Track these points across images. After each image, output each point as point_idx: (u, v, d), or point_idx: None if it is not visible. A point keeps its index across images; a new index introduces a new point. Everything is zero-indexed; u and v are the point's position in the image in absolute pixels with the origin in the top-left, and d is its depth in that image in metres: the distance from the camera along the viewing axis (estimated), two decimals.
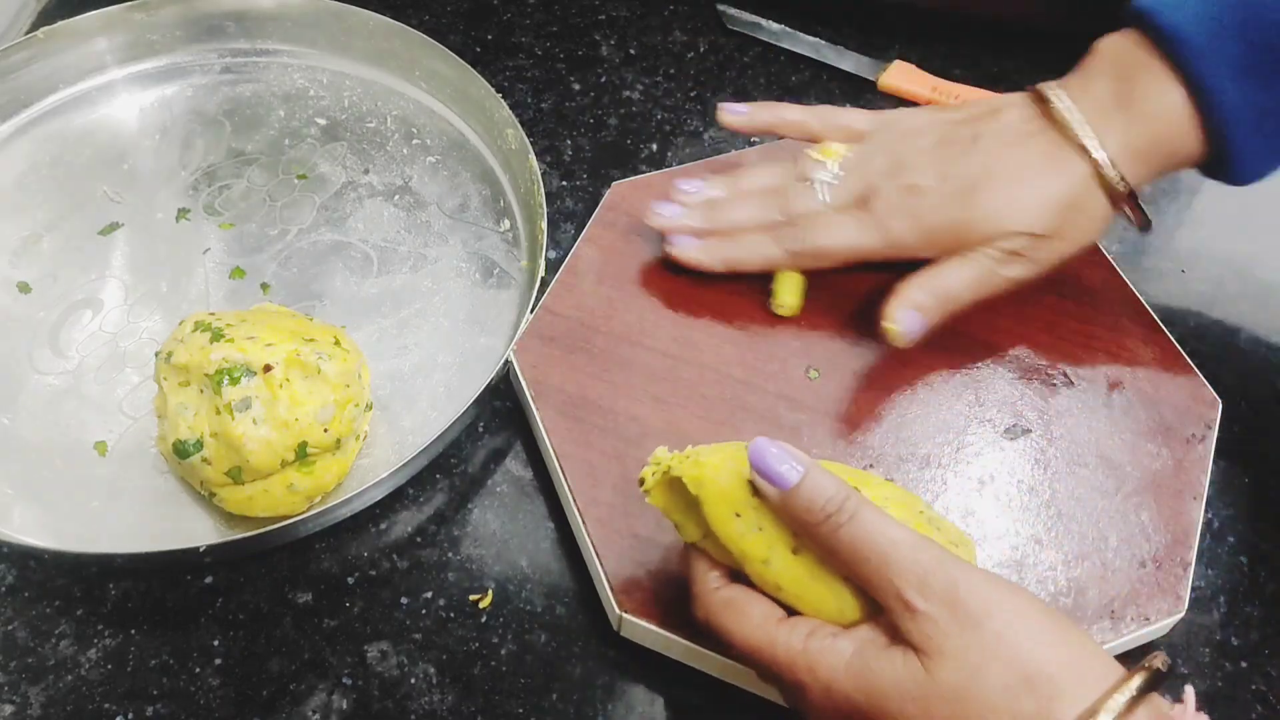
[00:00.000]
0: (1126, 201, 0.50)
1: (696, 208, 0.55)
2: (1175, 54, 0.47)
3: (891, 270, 0.56)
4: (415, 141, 0.64)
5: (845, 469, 0.41)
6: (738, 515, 0.38)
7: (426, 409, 0.53)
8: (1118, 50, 0.50)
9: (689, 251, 0.55)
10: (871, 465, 0.50)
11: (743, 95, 0.68)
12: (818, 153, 0.54)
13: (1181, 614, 0.47)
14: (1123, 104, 0.49)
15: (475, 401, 0.49)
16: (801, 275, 0.55)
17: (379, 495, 0.49)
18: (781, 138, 0.57)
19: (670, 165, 0.64)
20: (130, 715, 0.45)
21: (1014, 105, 0.52)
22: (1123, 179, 0.49)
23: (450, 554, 0.49)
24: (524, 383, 0.51)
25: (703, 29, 0.73)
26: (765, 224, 0.54)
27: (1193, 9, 0.47)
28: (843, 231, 0.52)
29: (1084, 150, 0.49)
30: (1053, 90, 0.50)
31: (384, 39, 0.65)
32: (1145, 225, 0.51)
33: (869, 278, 0.56)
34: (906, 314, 0.50)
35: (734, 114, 0.56)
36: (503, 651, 0.47)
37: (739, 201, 0.55)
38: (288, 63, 0.68)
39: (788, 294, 0.54)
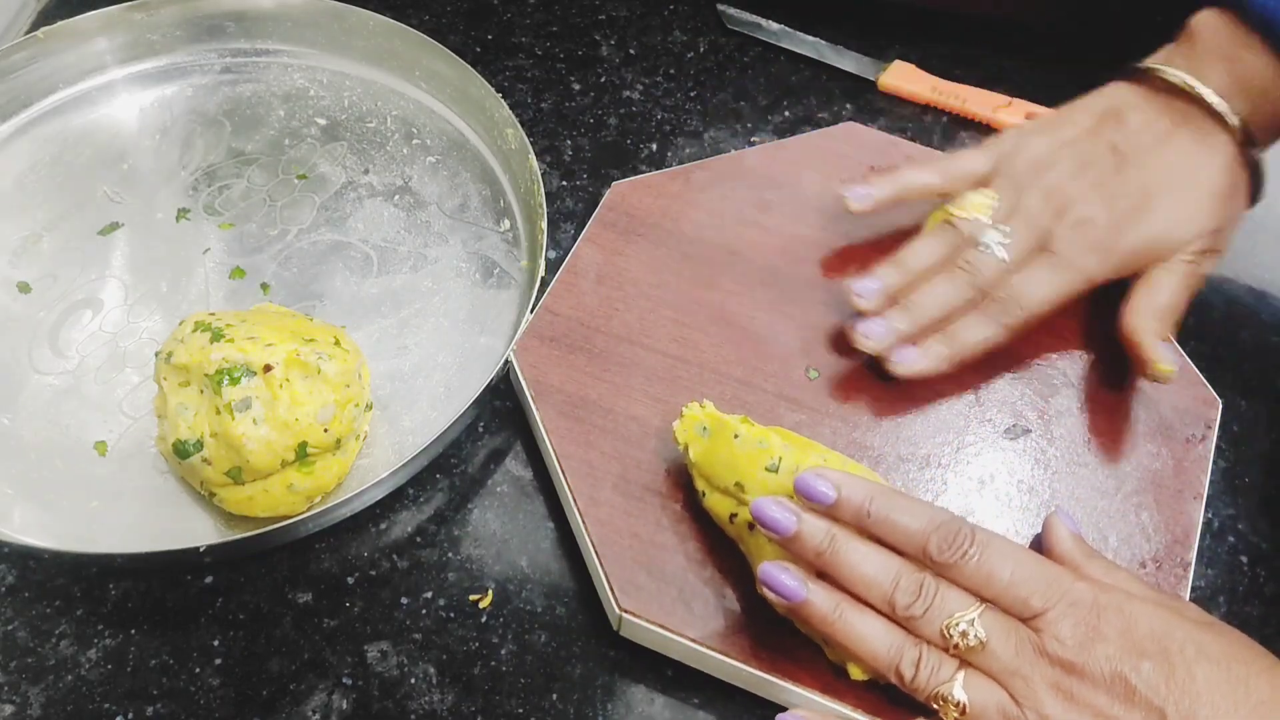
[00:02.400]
0: (1255, 173, 0.52)
1: (891, 310, 0.52)
2: (1272, 38, 0.49)
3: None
4: (415, 141, 0.64)
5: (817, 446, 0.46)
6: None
7: (426, 409, 0.53)
8: (1213, 30, 0.51)
9: (916, 364, 0.52)
10: (871, 465, 0.50)
11: (743, 95, 0.68)
12: (963, 210, 0.53)
13: None
14: (1238, 82, 0.50)
15: (475, 401, 0.49)
16: None
17: (379, 495, 0.49)
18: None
19: (670, 165, 0.64)
20: (130, 715, 0.45)
21: (1131, 105, 0.53)
22: (1255, 147, 0.51)
23: (450, 554, 0.49)
24: (524, 383, 0.51)
25: (703, 29, 0.73)
26: (965, 302, 0.52)
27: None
28: (1043, 285, 0.51)
29: (1225, 125, 0.50)
30: (1170, 73, 0.51)
31: (384, 39, 0.65)
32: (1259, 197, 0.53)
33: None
34: (1163, 348, 0.51)
35: (861, 200, 0.55)
36: (503, 651, 0.47)
37: (927, 288, 0.52)
38: (288, 63, 0.68)
39: None
